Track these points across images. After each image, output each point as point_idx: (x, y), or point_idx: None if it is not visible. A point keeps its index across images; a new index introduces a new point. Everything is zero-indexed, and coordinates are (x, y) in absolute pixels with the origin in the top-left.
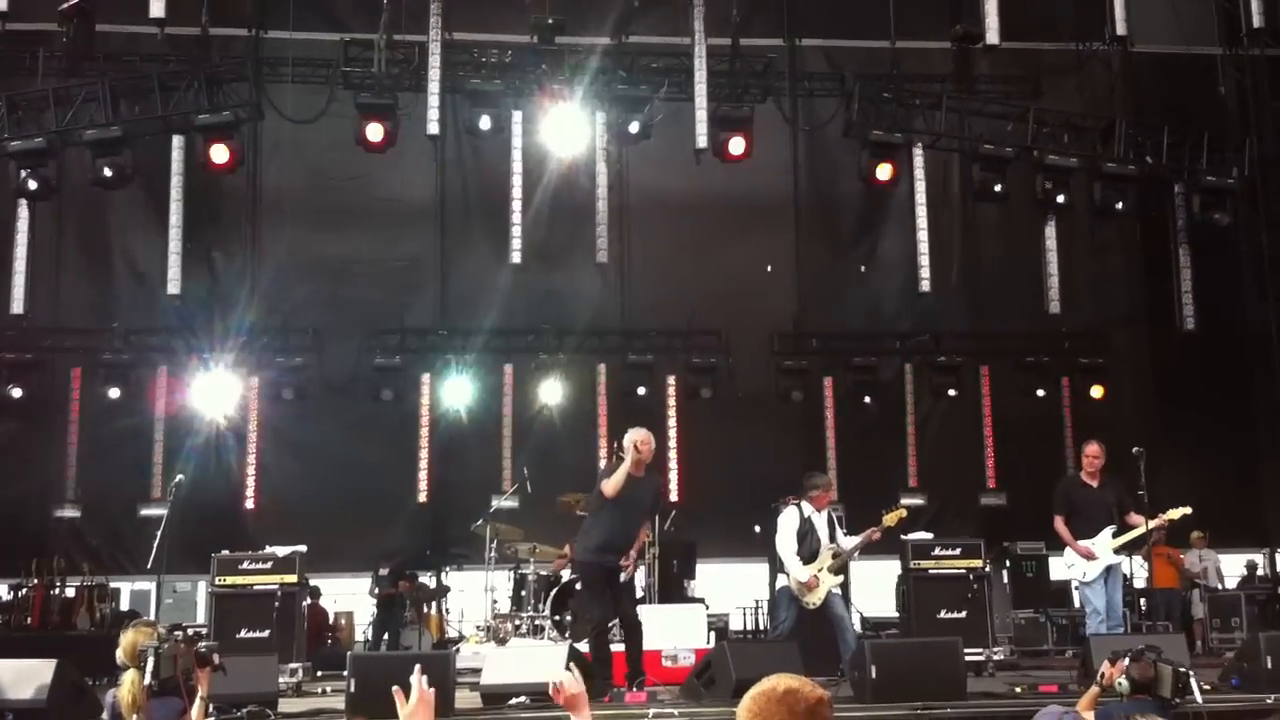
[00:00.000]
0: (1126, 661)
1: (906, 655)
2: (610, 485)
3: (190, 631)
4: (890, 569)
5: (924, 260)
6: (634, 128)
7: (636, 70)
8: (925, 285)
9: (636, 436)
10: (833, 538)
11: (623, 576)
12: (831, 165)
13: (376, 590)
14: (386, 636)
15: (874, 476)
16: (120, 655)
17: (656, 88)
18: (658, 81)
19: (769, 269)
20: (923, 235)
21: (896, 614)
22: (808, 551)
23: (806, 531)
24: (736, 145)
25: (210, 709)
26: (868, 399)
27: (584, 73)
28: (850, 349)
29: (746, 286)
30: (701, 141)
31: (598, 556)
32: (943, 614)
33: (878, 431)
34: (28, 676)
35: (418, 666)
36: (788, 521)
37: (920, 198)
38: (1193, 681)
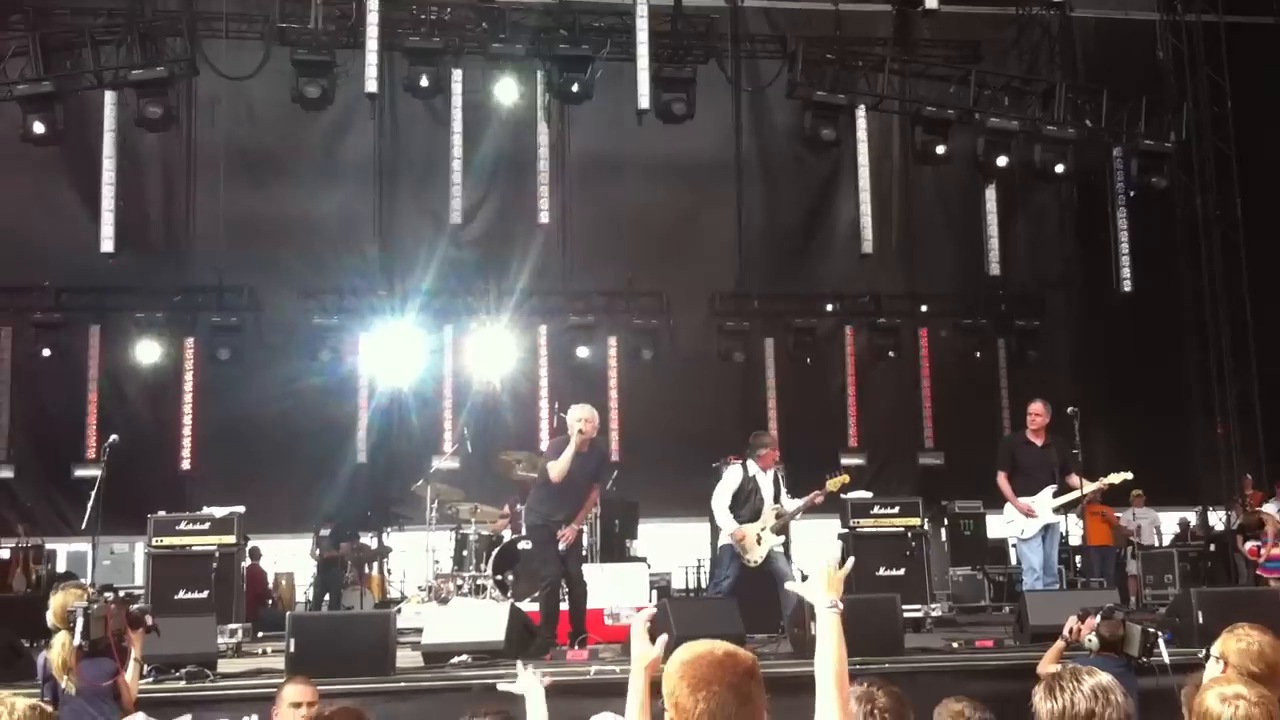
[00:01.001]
0: (1096, 619)
1: (846, 611)
2: (556, 470)
3: (123, 593)
4: (830, 527)
5: (866, 222)
6: (575, 88)
7: (578, 30)
8: (867, 247)
9: (581, 414)
10: (777, 498)
11: (561, 546)
12: (774, 127)
13: (317, 551)
14: (328, 597)
15: (814, 437)
16: (50, 617)
17: (598, 48)
18: (599, 41)
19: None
20: (865, 197)
21: None
22: (750, 511)
23: (751, 491)
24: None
25: (145, 669)
26: (808, 360)
27: (525, 31)
28: (791, 310)
29: (689, 248)
30: (643, 102)
31: (545, 519)
32: (882, 571)
33: (818, 392)
34: None
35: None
36: (728, 479)
37: (862, 159)
38: (1161, 641)
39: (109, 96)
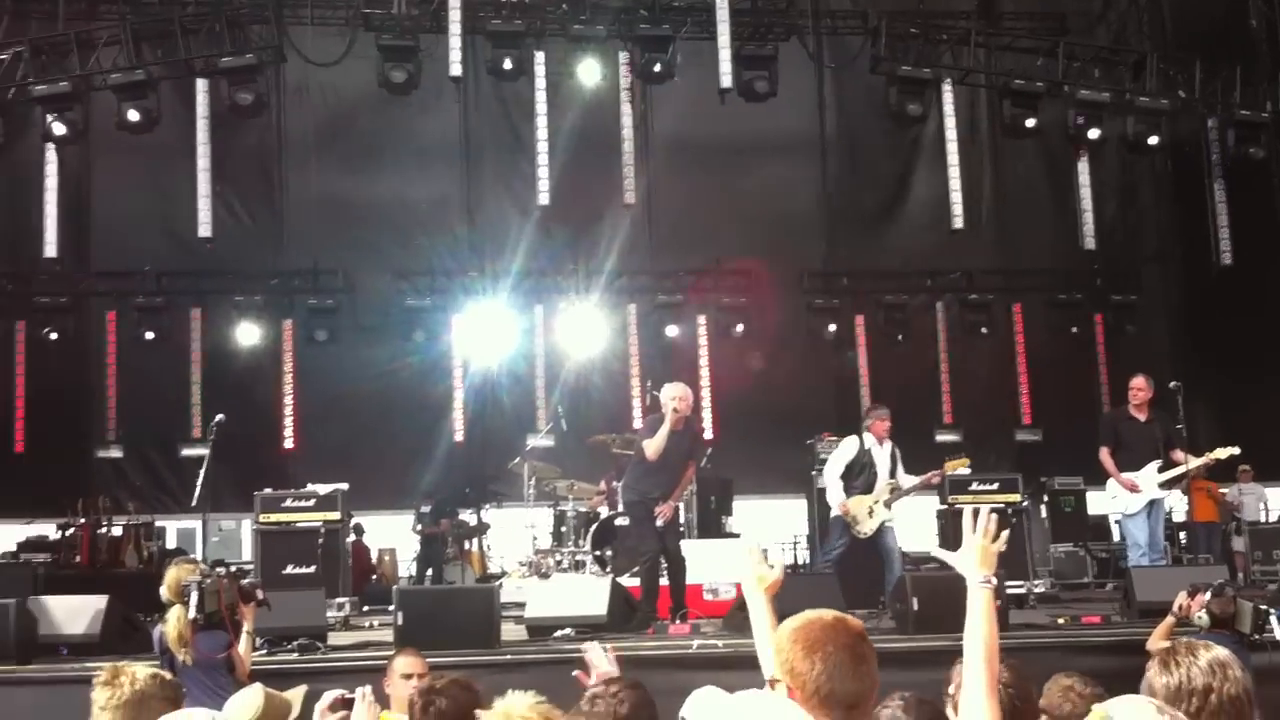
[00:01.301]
0: (1207, 596)
1: (947, 588)
2: (652, 448)
3: (234, 568)
4: (928, 504)
5: (955, 197)
6: (657, 68)
7: (659, 9)
8: (957, 222)
9: (674, 393)
10: (893, 473)
11: (659, 523)
12: (858, 102)
13: (419, 527)
14: (430, 572)
15: (907, 414)
16: (165, 591)
17: (679, 27)
18: (680, 21)
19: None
20: (954, 172)
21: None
22: (864, 483)
23: (865, 463)
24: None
25: (258, 642)
26: (900, 337)
27: (606, 12)
28: (881, 287)
29: (775, 226)
30: (726, 81)
31: (643, 496)
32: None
33: (910, 369)
34: (80, 612)
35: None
36: (842, 450)
37: (950, 134)
38: (1273, 618)
39: (200, 84)
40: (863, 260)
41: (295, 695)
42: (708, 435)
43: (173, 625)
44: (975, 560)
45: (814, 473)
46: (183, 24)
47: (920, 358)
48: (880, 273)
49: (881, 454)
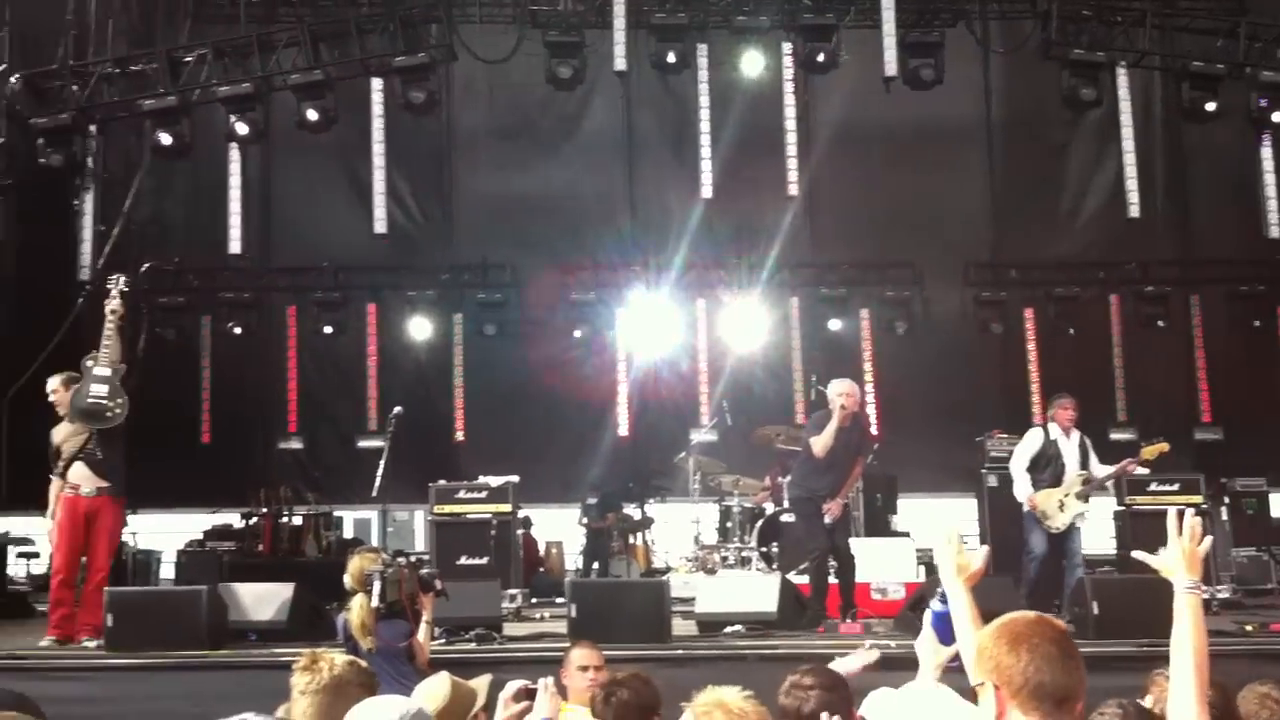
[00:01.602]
0: None
1: (1128, 591)
2: (819, 445)
3: (413, 557)
4: (1104, 505)
5: (1131, 185)
6: (821, 57)
7: None
8: (1133, 211)
9: (841, 389)
10: (1084, 463)
11: (826, 520)
12: (1028, 88)
13: (585, 520)
14: (595, 566)
15: (1082, 411)
16: (348, 580)
17: (842, 16)
18: (844, 9)
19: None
20: (1129, 159)
21: (1114, 550)
22: (1051, 475)
23: (1052, 455)
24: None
25: (436, 631)
26: (1071, 330)
27: (770, 3)
28: (1051, 279)
29: (939, 217)
30: (890, 69)
31: (810, 492)
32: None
33: (1082, 364)
34: (268, 599)
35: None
36: (1026, 442)
37: (1125, 119)
38: None
39: (375, 83)
40: (1032, 251)
41: (480, 684)
42: (872, 431)
43: (356, 613)
44: (1182, 564)
45: (983, 470)
46: (358, 24)
47: (1093, 353)
48: (1050, 264)
49: (1069, 444)
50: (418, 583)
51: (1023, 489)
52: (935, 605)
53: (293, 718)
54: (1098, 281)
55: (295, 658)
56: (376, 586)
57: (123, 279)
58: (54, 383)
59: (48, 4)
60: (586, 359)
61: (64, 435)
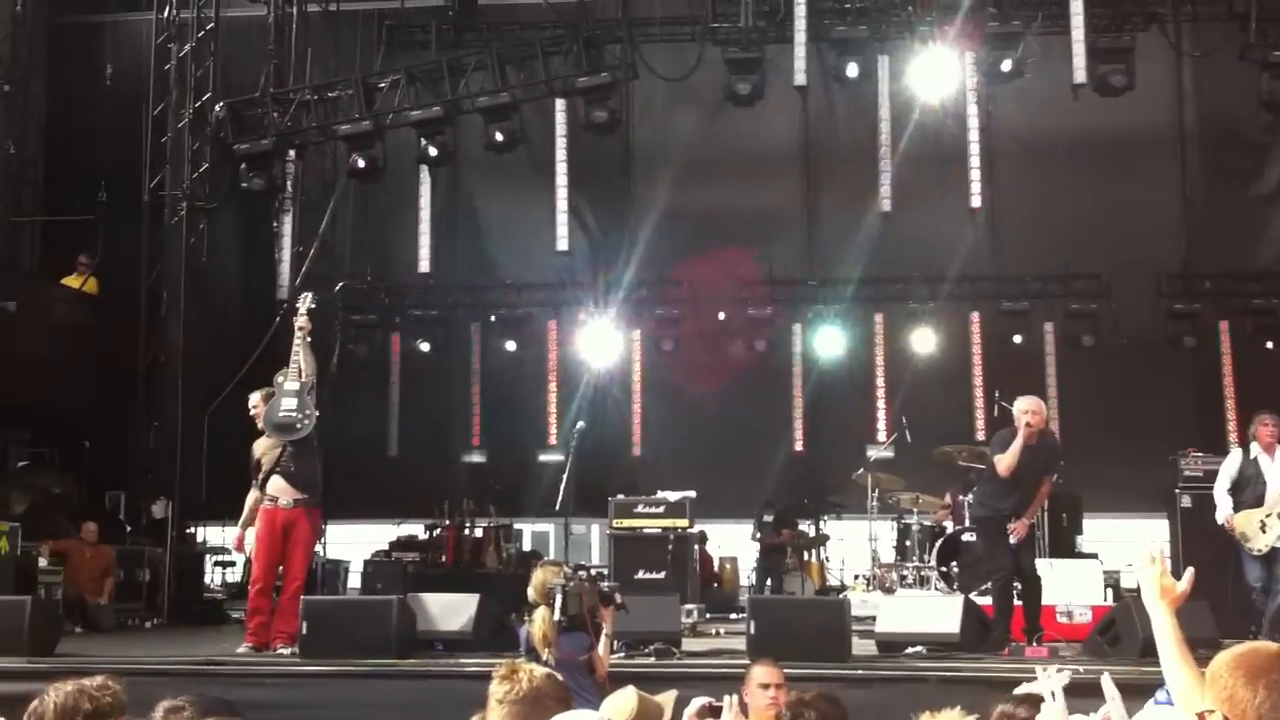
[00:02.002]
0: None
1: None
2: (1004, 465)
3: (594, 571)
4: None
5: None
6: (1006, 65)
7: (1008, 5)
8: None
9: (1027, 406)
10: None
11: (1011, 540)
12: (1223, 92)
13: (759, 536)
14: (769, 582)
15: None
16: (531, 592)
17: (1029, 22)
18: (1030, 16)
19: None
20: None
21: None
22: (1253, 496)
23: (1252, 475)
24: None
25: (615, 645)
26: (1269, 344)
27: (953, 11)
28: (1247, 290)
29: (1128, 227)
30: (1079, 76)
31: (994, 511)
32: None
33: None
34: (454, 609)
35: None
36: (1228, 463)
37: None
38: None
39: (558, 103)
40: (1227, 262)
41: (666, 700)
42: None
43: (539, 625)
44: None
45: (1177, 490)
46: (543, 47)
47: None
48: (1247, 275)
49: (1270, 464)
50: (598, 596)
51: (1222, 511)
52: (1159, 696)
53: None
54: None
55: (480, 668)
56: (559, 599)
57: (310, 296)
58: (255, 398)
59: (250, 35)
60: (763, 374)
61: (263, 449)
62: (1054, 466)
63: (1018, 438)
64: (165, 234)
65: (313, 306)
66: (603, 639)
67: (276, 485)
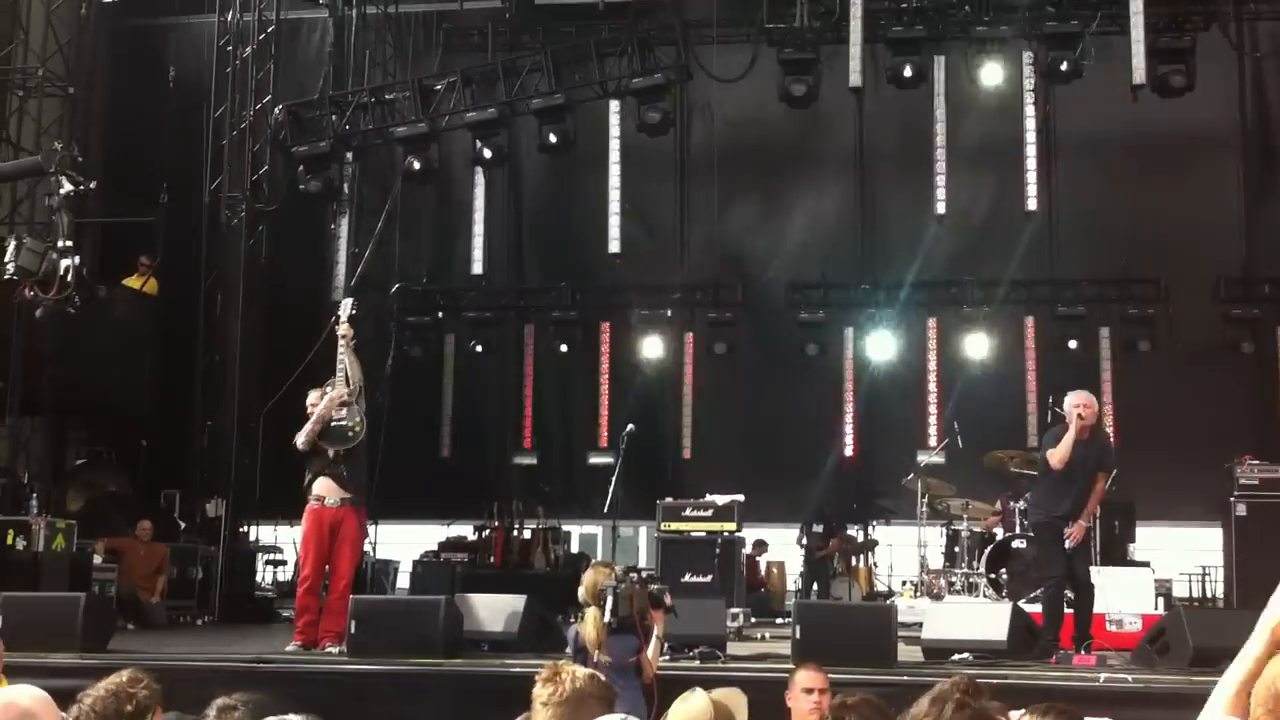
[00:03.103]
0: None
1: None
2: (1056, 457)
3: (644, 573)
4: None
5: None
6: (1064, 66)
7: (1066, 4)
8: None
9: (1078, 400)
10: None
11: (1068, 544)
12: None
13: (804, 541)
14: (815, 587)
15: None
16: (582, 593)
17: (1088, 22)
18: (1089, 15)
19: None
20: None
21: None
22: None
23: None
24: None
25: (664, 647)
26: None
27: (1010, 11)
28: None
29: (1187, 230)
30: (1139, 76)
31: (1049, 515)
32: None
33: None
34: (500, 610)
35: None
36: None
37: None
38: None
39: (613, 105)
40: None
41: (738, 702)
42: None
43: (589, 626)
44: None
45: (1232, 498)
46: (597, 48)
47: None
48: None
49: None
50: (648, 599)
51: None
52: None
53: None
54: None
55: (525, 669)
56: (609, 601)
57: (352, 303)
58: (314, 396)
59: (310, 38)
60: (815, 378)
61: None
62: (1107, 463)
63: (1070, 431)
64: (224, 235)
65: (354, 313)
66: (653, 641)
67: (324, 485)
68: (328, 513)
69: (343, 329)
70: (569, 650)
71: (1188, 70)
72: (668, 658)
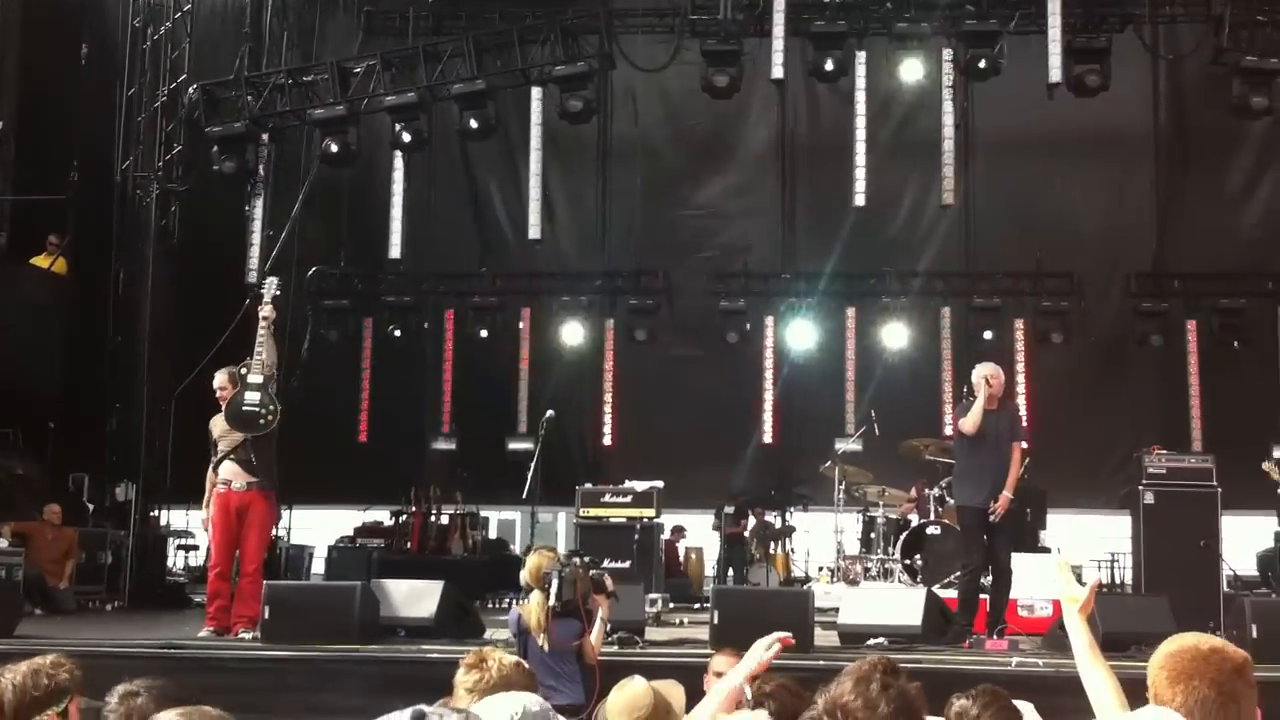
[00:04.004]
0: None
1: None
2: (968, 422)
3: (587, 558)
4: (1258, 525)
5: None
6: (982, 64)
7: (986, 3)
8: None
9: (986, 371)
10: None
11: (992, 518)
12: (1196, 96)
13: (719, 526)
14: (730, 573)
15: (1244, 428)
16: (525, 577)
17: (1006, 20)
18: (1007, 15)
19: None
20: None
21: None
22: None
23: None
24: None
25: (609, 629)
26: (1236, 344)
27: (932, 9)
28: (1216, 290)
29: (1100, 227)
30: (1055, 75)
31: (975, 499)
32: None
33: (1248, 380)
34: (418, 596)
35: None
36: None
37: None
38: None
39: (535, 92)
40: (1196, 262)
41: (675, 692)
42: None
43: (533, 610)
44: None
45: (1140, 486)
46: (520, 35)
47: (1258, 367)
48: (1215, 275)
49: None
50: (591, 583)
51: None
52: None
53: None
54: (1265, 293)
55: (443, 655)
56: (554, 585)
57: (275, 282)
58: (221, 377)
59: (225, 18)
60: (735, 366)
61: (221, 430)
62: (1019, 433)
63: (978, 399)
64: (136, 216)
65: (277, 293)
66: (597, 625)
67: (230, 469)
68: (234, 497)
69: (265, 310)
70: (511, 633)
71: (1103, 70)
72: (616, 644)
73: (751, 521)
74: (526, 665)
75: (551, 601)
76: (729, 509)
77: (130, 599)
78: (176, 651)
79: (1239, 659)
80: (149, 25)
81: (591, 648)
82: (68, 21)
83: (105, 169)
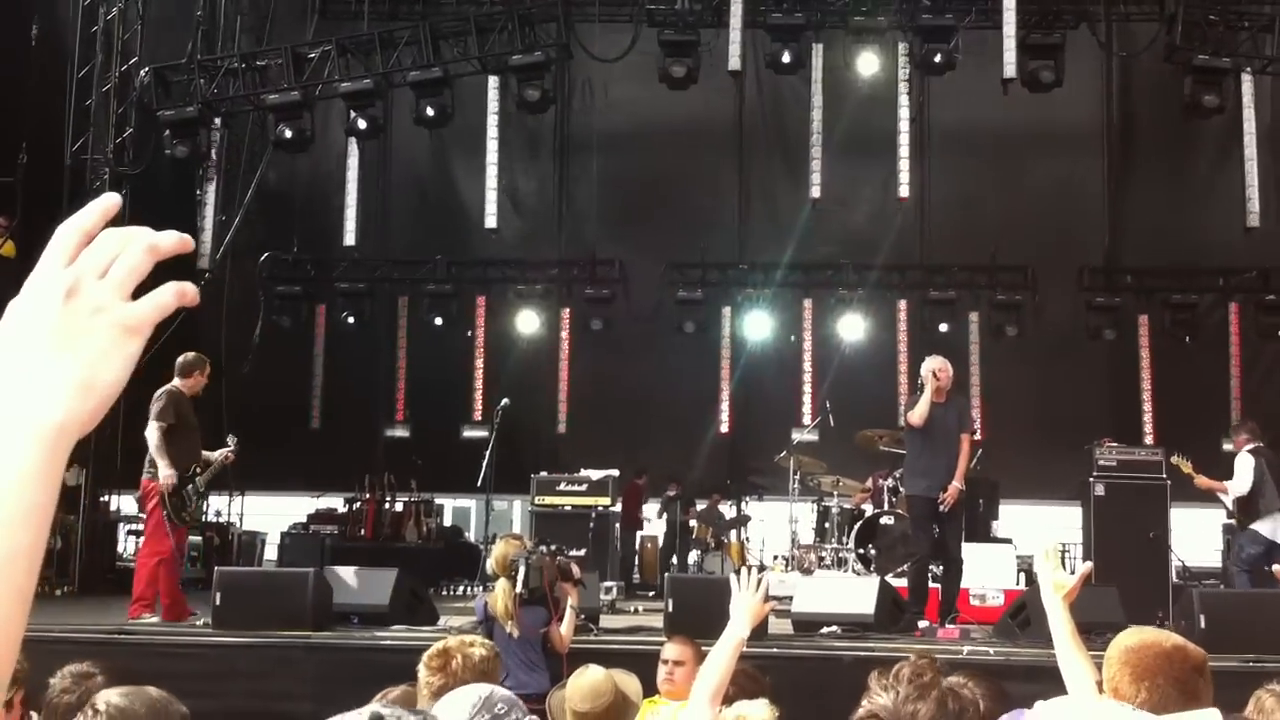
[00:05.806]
0: None
1: (1238, 606)
2: (915, 414)
3: (554, 546)
4: (1207, 517)
5: (1252, 193)
6: (938, 58)
7: None
8: (1253, 220)
9: (933, 365)
10: None
11: (942, 507)
12: (1149, 93)
13: (664, 514)
14: (674, 560)
15: (1194, 422)
16: (491, 565)
17: (962, 16)
18: (963, 10)
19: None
20: (1251, 166)
21: (1220, 564)
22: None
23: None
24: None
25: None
26: (1188, 339)
27: (888, 3)
28: (1167, 285)
29: (1054, 221)
30: (1010, 71)
31: (925, 490)
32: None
33: (1199, 374)
34: (371, 583)
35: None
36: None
37: (1248, 126)
38: None
39: (492, 80)
40: (1148, 258)
41: (632, 685)
42: (976, 437)
43: (500, 598)
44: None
45: (1091, 478)
46: (477, 23)
47: (1209, 362)
48: (1167, 271)
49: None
50: (558, 571)
51: None
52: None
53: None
54: (1216, 289)
55: (396, 642)
56: (521, 572)
57: (235, 440)
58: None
59: (179, 1)
60: (691, 356)
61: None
62: (967, 424)
63: (926, 391)
64: (86, 199)
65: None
66: (568, 614)
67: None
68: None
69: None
70: (476, 619)
71: (1057, 66)
72: (593, 631)
73: (698, 507)
74: (495, 653)
75: (519, 589)
76: (670, 491)
77: (80, 584)
78: (127, 637)
79: (1199, 657)
80: (100, 6)
81: (560, 637)
82: (18, 1)
83: (55, 151)
